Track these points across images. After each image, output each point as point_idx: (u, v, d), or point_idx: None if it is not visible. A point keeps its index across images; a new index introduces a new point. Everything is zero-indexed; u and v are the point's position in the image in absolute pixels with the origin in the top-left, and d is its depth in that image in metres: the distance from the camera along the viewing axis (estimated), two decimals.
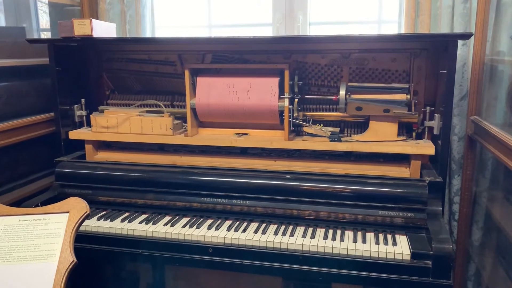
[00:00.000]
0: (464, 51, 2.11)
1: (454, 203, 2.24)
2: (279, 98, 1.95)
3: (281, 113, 1.96)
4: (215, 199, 1.87)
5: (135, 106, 2.21)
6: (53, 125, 2.19)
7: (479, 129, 1.95)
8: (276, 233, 1.71)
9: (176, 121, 2.09)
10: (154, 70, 2.26)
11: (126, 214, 1.93)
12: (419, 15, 2.16)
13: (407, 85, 1.85)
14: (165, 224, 1.82)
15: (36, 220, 1.50)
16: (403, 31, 2.23)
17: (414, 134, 1.95)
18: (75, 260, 1.40)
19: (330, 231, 1.72)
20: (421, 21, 2.16)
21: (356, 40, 1.97)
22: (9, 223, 1.49)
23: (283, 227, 1.77)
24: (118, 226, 1.82)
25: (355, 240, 1.65)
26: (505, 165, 1.67)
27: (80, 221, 1.48)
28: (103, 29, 2.10)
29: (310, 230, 1.74)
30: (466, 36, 1.79)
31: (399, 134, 1.92)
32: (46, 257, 1.42)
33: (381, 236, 1.68)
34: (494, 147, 1.76)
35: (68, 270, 1.38)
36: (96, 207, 1.98)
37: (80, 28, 2.00)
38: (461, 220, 2.19)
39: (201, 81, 2.04)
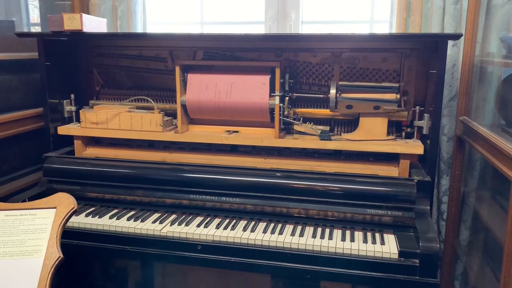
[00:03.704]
0: (454, 52, 2.12)
1: (443, 202, 2.25)
2: (270, 96, 1.95)
3: (272, 111, 1.96)
4: (204, 197, 1.86)
5: (125, 102, 2.20)
6: (42, 120, 2.17)
7: (468, 130, 1.97)
8: (265, 231, 1.71)
9: (166, 118, 2.08)
10: (145, 66, 2.24)
11: (115, 210, 1.92)
12: (411, 15, 2.17)
13: (397, 84, 1.86)
14: (154, 221, 1.81)
15: (22, 215, 1.49)
16: (394, 31, 2.24)
17: (403, 133, 1.96)
18: (62, 256, 1.39)
19: (319, 230, 1.72)
20: (412, 21, 2.17)
21: (348, 39, 1.98)
22: None
23: (272, 225, 1.77)
24: (106, 222, 1.81)
25: (343, 239, 1.65)
26: (493, 166, 1.68)
27: (67, 216, 1.47)
28: (93, 24, 2.08)
29: (299, 228, 1.74)
30: (456, 37, 1.80)
31: (388, 133, 1.93)
32: (32, 253, 1.40)
33: (369, 234, 1.69)
34: (483, 148, 1.78)
35: (54, 266, 1.37)
36: (85, 203, 1.97)
37: (70, 22, 1.98)
38: (449, 219, 2.20)
39: (192, 77, 2.03)
